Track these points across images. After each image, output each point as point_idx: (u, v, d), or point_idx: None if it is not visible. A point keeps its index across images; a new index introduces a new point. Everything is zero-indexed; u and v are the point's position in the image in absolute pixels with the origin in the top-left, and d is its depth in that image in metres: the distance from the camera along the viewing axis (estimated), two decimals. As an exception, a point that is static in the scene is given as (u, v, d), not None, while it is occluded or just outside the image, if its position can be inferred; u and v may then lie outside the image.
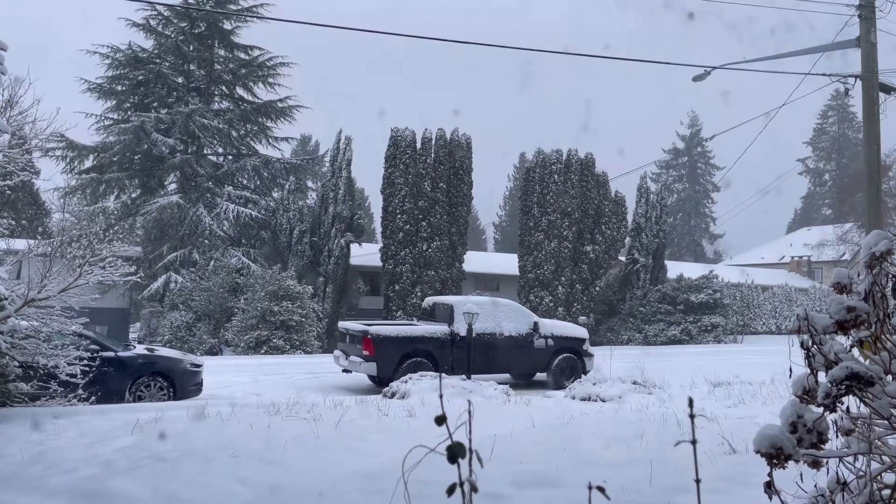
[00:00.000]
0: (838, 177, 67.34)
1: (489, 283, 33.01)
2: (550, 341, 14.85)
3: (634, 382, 12.07)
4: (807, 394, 2.81)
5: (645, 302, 30.87)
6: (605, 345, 25.97)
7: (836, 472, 2.87)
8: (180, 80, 30.20)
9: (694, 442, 1.17)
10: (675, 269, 34.00)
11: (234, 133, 30.55)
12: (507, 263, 32.89)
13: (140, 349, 12.49)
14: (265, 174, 30.99)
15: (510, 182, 69.11)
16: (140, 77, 29.45)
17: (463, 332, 13.64)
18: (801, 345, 2.76)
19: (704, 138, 66.19)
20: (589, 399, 11.04)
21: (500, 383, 11.76)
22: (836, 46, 11.86)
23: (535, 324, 14.90)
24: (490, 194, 66.35)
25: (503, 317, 14.76)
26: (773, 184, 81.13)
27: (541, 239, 28.86)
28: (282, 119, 31.04)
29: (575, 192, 29.42)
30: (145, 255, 27.28)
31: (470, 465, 1.41)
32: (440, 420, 1.41)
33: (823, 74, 12.30)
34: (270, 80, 30.79)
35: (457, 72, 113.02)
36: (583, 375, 14.02)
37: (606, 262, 30.72)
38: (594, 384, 11.79)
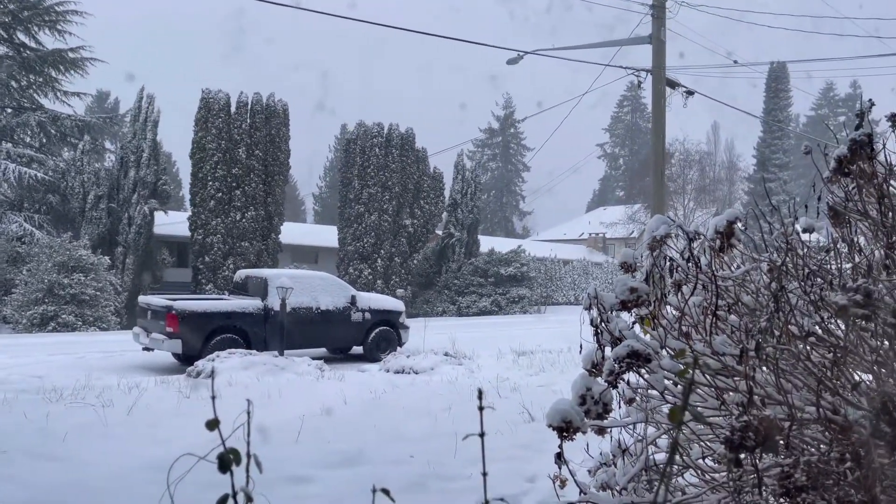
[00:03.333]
0: (630, 162, 74.31)
1: (308, 256, 32.36)
2: (368, 314, 14.87)
3: (446, 354, 12.45)
4: (595, 367, 2.99)
5: (459, 275, 32.01)
6: (421, 317, 26.59)
7: (619, 439, 3.11)
8: (-57, 16, 25.91)
9: (482, 434, 1.14)
10: (488, 243, 35.56)
11: (13, 84, 26.85)
12: (327, 235, 32.43)
13: None
14: (53, 132, 27.64)
15: (331, 153, 68.08)
16: None
17: (277, 307, 13.21)
18: (591, 322, 2.92)
19: (517, 120, 69.67)
20: (402, 372, 11.22)
21: (315, 358, 11.57)
22: (632, 42, 12.90)
23: (353, 297, 14.82)
24: (310, 165, 64.90)
25: (320, 290, 14.51)
26: (574, 166, 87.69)
27: (361, 211, 28.75)
28: (72, 71, 27.76)
29: (395, 166, 29.59)
30: None
31: (247, 471, 1.28)
32: (211, 425, 1.26)
33: (620, 66, 13.37)
34: (59, 27, 27.36)
35: (278, 36, 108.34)
36: (398, 348, 14.22)
37: (424, 235, 31.38)
38: (408, 357, 12.00)
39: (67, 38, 27.46)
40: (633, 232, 46.72)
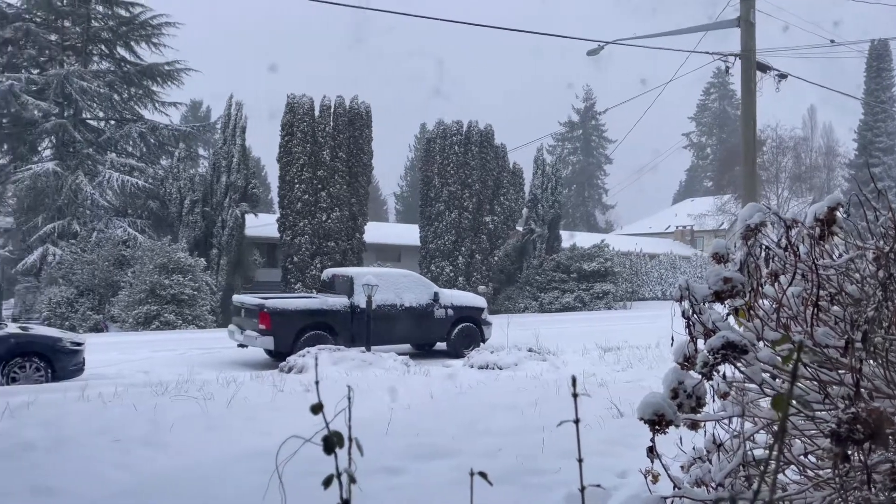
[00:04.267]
0: (719, 151, 71.52)
1: (390, 254, 32.90)
2: (450, 311, 14.99)
3: (530, 350, 12.39)
4: (687, 360, 2.92)
5: (541, 271, 31.76)
6: (503, 313, 26.56)
7: (713, 434, 3.03)
8: (53, 38, 27.82)
9: (577, 421, 1.15)
10: (570, 238, 35.10)
11: (116, 97, 28.57)
12: (409, 234, 32.86)
13: (13, 328, 11.59)
14: (152, 141, 29.25)
15: (411, 153, 68.86)
16: (7, 35, 26.88)
17: (363, 304, 13.51)
18: (683, 314, 2.85)
19: (598, 112, 68.37)
20: (487, 367, 11.25)
21: (400, 354, 11.77)
22: (719, 26, 12.42)
23: (436, 294, 14.98)
24: (391, 165, 65.86)
25: (403, 288, 14.74)
26: (660, 157, 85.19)
27: (441, 209, 28.98)
28: (169, 83, 29.30)
29: (475, 163, 29.66)
30: (18, 226, 25.25)
31: (349, 453, 1.33)
32: (316, 409, 1.32)
33: (707, 52, 12.89)
34: (154, 40, 28.92)
35: (358, 40, 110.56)
36: (481, 344, 14.27)
37: (505, 232, 31.31)
38: (492, 352, 12.02)
39: (163, 49, 29.02)
40: (722, 224, 45.00)
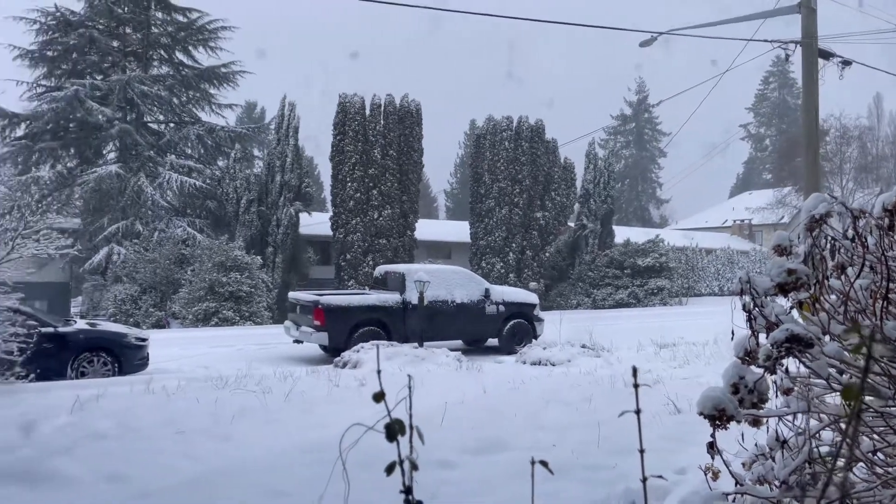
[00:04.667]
0: (778, 142, 69.30)
1: (441, 251, 33.03)
2: (502, 307, 14.97)
3: (583, 346, 12.27)
4: (748, 355, 2.85)
5: (593, 267, 31.39)
6: (555, 309, 26.36)
7: (776, 431, 2.95)
8: (115, 44, 28.86)
9: (638, 412, 1.15)
10: (623, 234, 34.59)
11: (175, 100, 29.46)
12: (459, 231, 32.92)
13: (81, 324, 12.08)
14: (209, 143, 30.05)
15: (461, 149, 68.91)
16: (72, 42, 28.02)
17: (415, 301, 13.62)
18: (743, 307, 2.79)
19: (651, 104, 67.10)
20: (539, 363, 11.20)
21: (452, 350, 11.81)
22: (778, 12, 12.04)
23: (487, 290, 14.98)
24: (441, 162, 66.04)
25: (455, 284, 14.78)
26: (716, 149, 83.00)
27: (492, 206, 28.93)
28: (225, 85, 30.04)
29: (525, 158, 29.50)
30: (84, 226, 26.28)
31: (410, 441, 1.36)
32: (378, 397, 1.35)
33: (766, 41, 12.51)
34: (211, 44, 29.70)
35: (406, 37, 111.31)
36: (533, 340, 14.20)
37: (556, 228, 31.05)
38: (544, 348, 11.95)
39: (219, 52, 29.77)
40: (782, 217, 43.64)
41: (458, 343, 15.13)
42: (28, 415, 6.38)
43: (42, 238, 9.44)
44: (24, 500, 3.99)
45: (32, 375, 9.31)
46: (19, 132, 27.45)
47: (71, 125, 27.76)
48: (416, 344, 12.39)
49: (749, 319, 2.80)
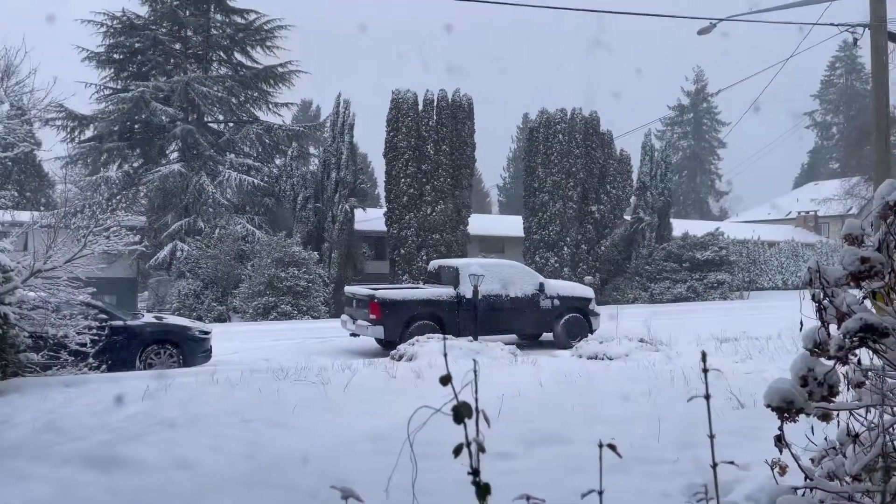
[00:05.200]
0: (846, 130, 66.54)
1: (494, 246, 32.96)
2: (556, 301, 14.86)
3: (641, 340, 12.09)
4: (818, 347, 2.77)
5: (650, 260, 30.83)
6: (611, 304, 26.02)
7: (847, 425, 2.85)
8: (177, 46, 29.80)
9: (707, 397, 1.14)
10: (681, 226, 33.87)
11: (233, 100, 30.23)
12: (512, 225, 32.79)
13: (149, 317, 12.56)
14: (267, 141, 30.75)
15: (514, 143, 68.53)
16: (137, 45, 29.07)
17: (469, 295, 13.65)
18: (813, 297, 2.71)
19: (710, 94, 65.37)
20: (596, 357, 11.08)
21: (506, 344, 11.79)
22: (846, -6, 11.56)
23: (541, 284, 14.89)
24: (494, 156, 65.85)
25: (509, 278, 14.75)
26: (779, 138, 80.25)
27: (545, 200, 28.71)
28: (281, 84, 30.66)
29: (579, 151, 29.16)
30: (150, 224, 27.27)
31: (477, 425, 1.38)
32: (445, 380, 1.38)
33: (832, 24, 12.05)
34: (268, 44, 30.34)
35: (457, 31, 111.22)
36: (589, 334, 14.06)
37: (612, 221, 30.60)
38: (601, 343, 11.82)
39: (275, 52, 30.38)
40: (850, 208, 41.97)
41: (512, 337, 15.11)
42: (101, 403, 6.68)
43: (112, 235, 9.84)
44: (101, 484, 4.19)
45: (104, 366, 9.74)
46: (88, 133, 28.65)
47: (136, 126, 28.82)
48: (470, 338, 12.43)
49: (819, 310, 2.71)
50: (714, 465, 1.27)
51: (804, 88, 69.93)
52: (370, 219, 28.34)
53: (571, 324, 14.80)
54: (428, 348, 10.71)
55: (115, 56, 29.19)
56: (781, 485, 2.87)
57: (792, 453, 2.69)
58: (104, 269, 11.26)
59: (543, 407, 6.08)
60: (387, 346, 13.23)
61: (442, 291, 14.20)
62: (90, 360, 9.49)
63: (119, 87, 29.15)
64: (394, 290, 14.65)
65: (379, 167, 44.19)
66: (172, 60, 29.74)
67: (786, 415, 2.52)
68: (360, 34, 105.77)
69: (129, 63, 29.59)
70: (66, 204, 15.18)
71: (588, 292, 15.76)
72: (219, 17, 30.14)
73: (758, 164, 77.58)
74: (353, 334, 14.23)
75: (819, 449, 3.05)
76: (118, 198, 14.49)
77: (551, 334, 14.94)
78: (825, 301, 2.67)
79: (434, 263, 16.33)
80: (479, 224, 30.42)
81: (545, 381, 7.40)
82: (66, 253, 9.07)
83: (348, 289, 15.47)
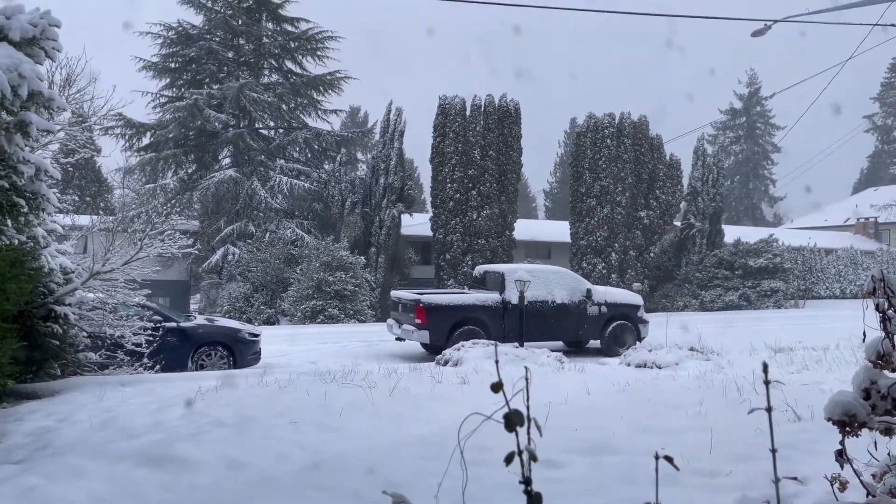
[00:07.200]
0: (908, 133, 64.02)
1: (540, 251, 32.74)
2: (604, 308, 14.67)
3: (691, 349, 11.82)
4: (881, 358, 2.67)
5: (701, 267, 30.18)
6: (660, 311, 25.55)
7: (913, 441, 2.74)
8: (230, 54, 30.55)
9: (769, 410, 1.10)
10: (733, 233, 33.07)
11: (283, 106, 30.82)
12: (558, 231, 32.52)
13: (200, 320, 12.85)
14: (316, 147, 31.25)
15: (560, 148, 68.05)
16: (192, 54, 29.92)
17: (514, 300, 13.58)
18: (876, 307, 2.62)
19: (764, 97, 63.70)
20: (644, 366, 10.88)
21: (552, 351, 11.68)
22: (910, -8, 11.13)
23: (588, 291, 14.72)
24: (540, 161, 65.40)
25: (555, 284, 14.62)
26: (837, 143, 77.68)
27: (593, 205, 28.39)
28: (330, 91, 31.15)
29: (628, 156, 28.76)
30: (203, 228, 27.98)
31: (528, 433, 1.37)
32: (496, 387, 1.37)
33: (893, 25, 11.63)
34: (319, 53, 30.88)
35: (505, 37, 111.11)
36: (637, 342, 13.82)
37: (661, 227, 30.08)
38: (649, 351, 11.60)
39: (325, 61, 30.89)
40: (912, 215, 40.28)
41: (559, 344, 14.96)
42: (155, 403, 6.87)
43: (166, 238, 10.12)
44: (155, 481, 4.30)
45: (157, 366, 10.01)
46: (145, 141, 29.59)
47: (191, 133, 29.64)
48: (515, 344, 12.35)
49: (883, 320, 2.62)
50: (776, 481, 1.23)
51: (864, 91, 67.60)
52: (416, 224, 28.49)
53: (619, 331, 14.59)
54: (473, 354, 10.68)
55: (170, 65, 30.10)
56: (842, 501, 2.77)
57: (853, 468, 2.60)
58: (159, 272, 11.59)
59: (591, 415, 5.99)
60: (432, 350, 13.25)
61: (487, 297, 14.16)
62: (145, 360, 9.78)
63: (174, 94, 30.04)
64: (440, 295, 14.68)
65: (425, 172, 44.39)
66: (225, 68, 30.52)
67: (847, 429, 2.43)
68: (408, 40, 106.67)
69: (184, 71, 30.48)
70: (124, 209, 15.69)
71: (636, 299, 15.51)
72: (270, 25, 30.81)
73: (814, 168, 75.25)
74: (399, 338, 14.30)
75: (882, 464, 2.93)
76: (173, 202, 14.91)
77: (598, 341, 14.75)
78: (890, 311, 2.58)
79: (479, 269, 16.30)
80: (524, 229, 30.27)
81: (592, 389, 7.30)
82: (123, 256, 9.36)
83: (394, 293, 15.56)
